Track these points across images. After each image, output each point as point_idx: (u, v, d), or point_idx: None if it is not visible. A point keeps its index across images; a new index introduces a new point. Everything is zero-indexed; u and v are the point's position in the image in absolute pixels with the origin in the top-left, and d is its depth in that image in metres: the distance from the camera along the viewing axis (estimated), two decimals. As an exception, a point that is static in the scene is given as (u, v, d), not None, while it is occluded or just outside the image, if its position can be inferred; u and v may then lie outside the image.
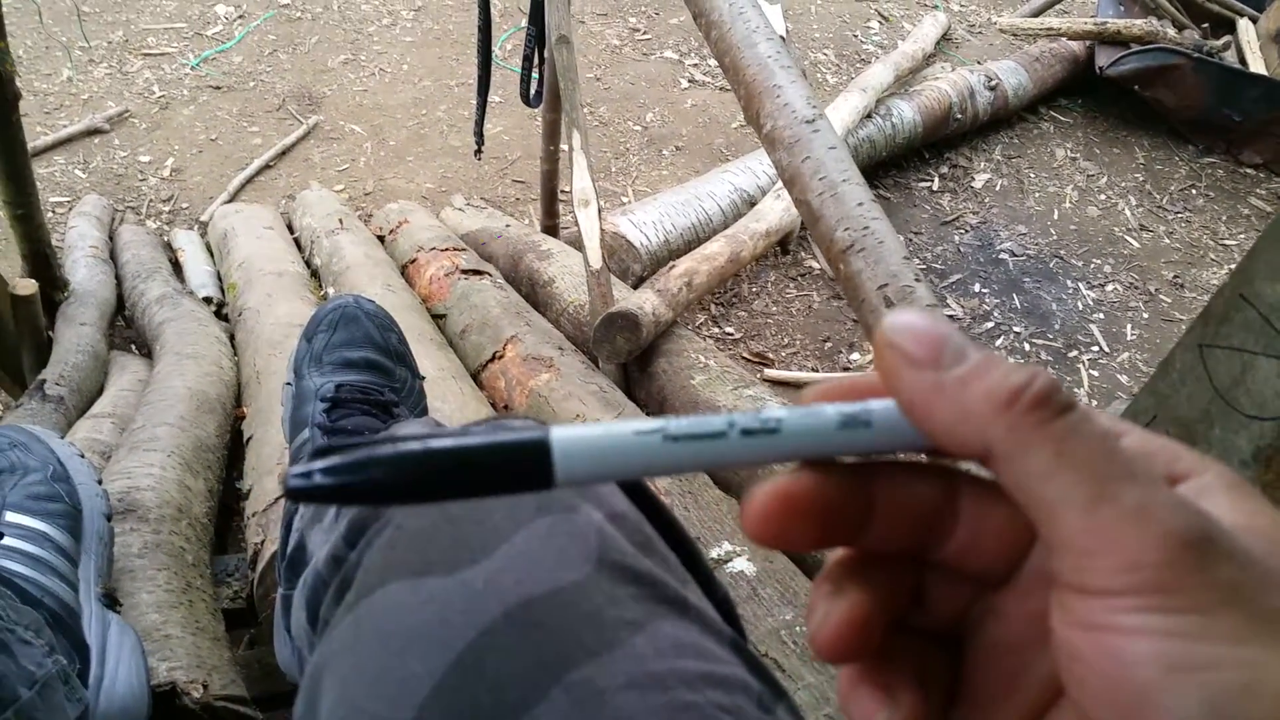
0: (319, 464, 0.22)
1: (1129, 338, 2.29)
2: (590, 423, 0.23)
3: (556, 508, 0.39)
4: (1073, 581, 0.20)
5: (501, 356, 1.39)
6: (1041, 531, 0.21)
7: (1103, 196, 2.80)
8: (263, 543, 0.97)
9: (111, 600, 0.84)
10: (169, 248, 2.15)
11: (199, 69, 2.97)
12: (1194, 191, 2.85)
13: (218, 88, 2.90)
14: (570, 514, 0.39)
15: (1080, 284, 2.45)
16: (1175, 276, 2.50)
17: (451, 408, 1.19)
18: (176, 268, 2.04)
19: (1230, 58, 3.09)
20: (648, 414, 1.23)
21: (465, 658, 0.34)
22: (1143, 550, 0.19)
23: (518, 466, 0.22)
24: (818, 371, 2.08)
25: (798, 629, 0.77)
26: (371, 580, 0.39)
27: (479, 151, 1.95)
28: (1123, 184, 2.86)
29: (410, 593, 0.37)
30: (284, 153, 2.65)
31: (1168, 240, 2.64)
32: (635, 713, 0.33)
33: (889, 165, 2.79)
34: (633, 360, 1.40)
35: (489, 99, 1.87)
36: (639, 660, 0.35)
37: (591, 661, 0.34)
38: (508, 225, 2.06)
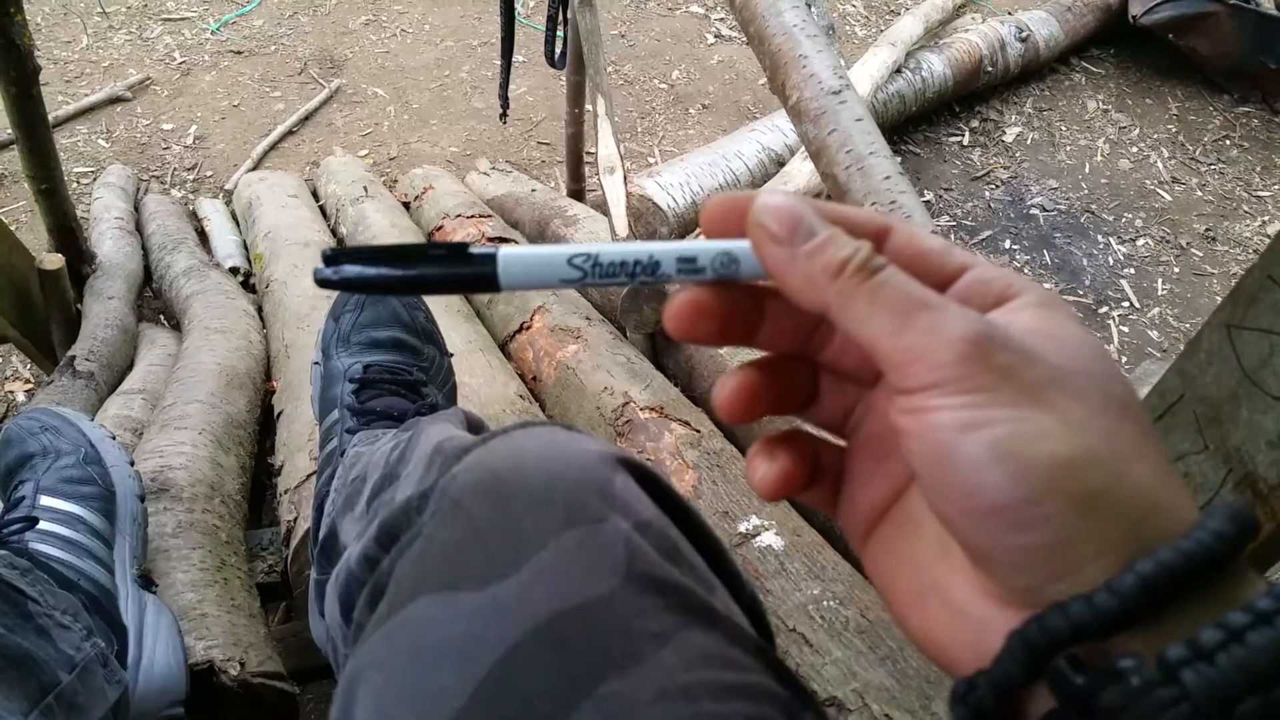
0: (345, 263, 0.30)
1: (1160, 293, 2.25)
2: (536, 246, 0.31)
3: (585, 519, 0.39)
4: (898, 386, 0.27)
5: (529, 327, 1.38)
6: (874, 359, 0.27)
7: (1135, 149, 2.74)
8: (295, 520, 0.98)
9: (147, 581, 0.85)
10: (194, 217, 2.16)
11: (219, 33, 2.95)
12: (1228, 142, 2.78)
13: (239, 52, 2.89)
14: (598, 525, 0.39)
15: (1111, 239, 2.41)
16: (1207, 229, 2.45)
17: (480, 381, 1.19)
18: (202, 237, 2.05)
19: (1267, 3, 3.00)
20: (676, 385, 1.22)
21: (496, 673, 0.34)
22: (938, 354, 0.26)
23: (477, 272, 0.30)
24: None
25: (825, 603, 0.77)
26: (403, 593, 0.39)
27: (504, 115, 1.93)
28: (1155, 135, 2.80)
29: (441, 607, 0.37)
30: (307, 118, 2.65)
31: (1200, 193, 2.58)
32: None
33: (919, 120, 2.75)
34: (660, 330, 1.40)
35: (512, 59, 1.85)
36: (667, 673, 0.35)
37: (620, 675, 0.34)
38: (533, 190, 2.05)
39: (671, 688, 0.34)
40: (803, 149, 2.14)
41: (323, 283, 0.30)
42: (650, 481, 0.44)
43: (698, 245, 0.31)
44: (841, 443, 0.34)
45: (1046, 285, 2.23)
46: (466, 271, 0.30)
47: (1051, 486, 0.24)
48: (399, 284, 0.30)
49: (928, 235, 0.30)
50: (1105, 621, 0.23)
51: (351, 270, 0.30)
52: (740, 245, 0.30)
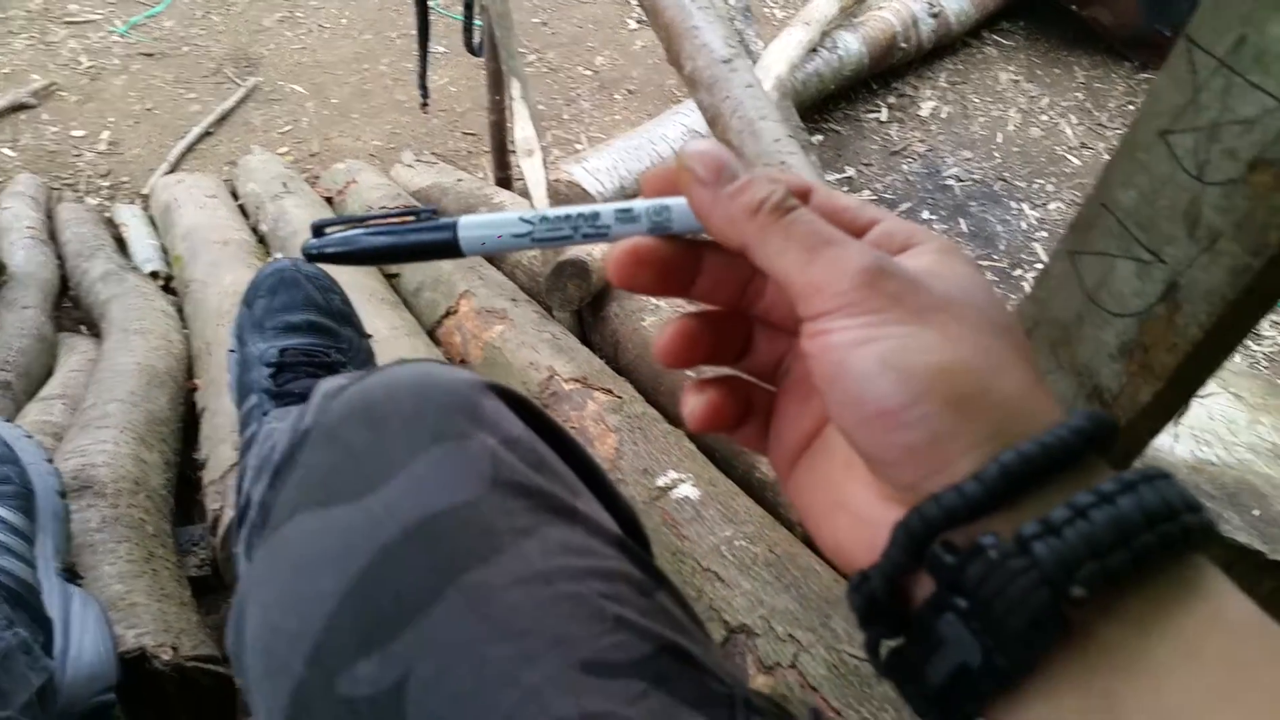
0: (328, 238, 0.34)
1: (1076, 256, 2.32)
2: (492, 213, 0.34)
3: (451, 437, 0.42)
4: (805, 314, 0.29)
5: (455, 311, 1.39)
6: (785, 291, 0.30)
7: (1045, 117, 2.83)
8: (221, 509, 0.98)
9: (72, 574, 0.85)
10: (111, 224, 2.12)
11: (128, 36, 2.89)
12: (1132, 107, 2.87)
13: (150, 54, 2.84)
14: (464, 441, 0.42)
15: (1024, 204, 2.48)
16: (1119, 193, 2.53)
17: (403, 365, 1.20)
18: (120, 244, 2.02)
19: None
20: (603, 358, 1.25)
21: (368, 573, 0.38)
22: (838, 283, 0.28)
23: (440, 238, 0.33)
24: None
25: (737, 543, 0.81)
26: (282, 514, 0.42)
27: (425, 105, 1.93)
28: (1064, 104, 2.89)
29: (317, 521, 0.40)
30: (223, 118, 2.61)
31: (1108, 157, 2.65)
32: (523, 605, 0.37)
33: (838, 98, 2.79)
34: (586, 306, 1.42)
35: (431, 49, 1.85)
36: (527, 561, 0.39)
37: (483, 565, 0.38)
38: (459, 180, 2.05)
39: (529, 573, 0.38)
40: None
41: (309, 256, 0.34)
42: (521, 405, 0.47)
43: (635, 201, 0.34)
44: (772, 389, 0.37)
45: (965, 252, 2.28)
46: (431, 238, 0.33)
47: (928, 390, 0.27)
48: (374, 254, 0.34)
49: (844, 195, 0.34)
50: (972, 507, 0.26)
51: (331, 246, 0.34)
52: (674, 200, 0.33)
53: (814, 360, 0.29)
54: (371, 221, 0.34)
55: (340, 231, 0.34)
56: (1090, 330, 0.52)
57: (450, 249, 0.33)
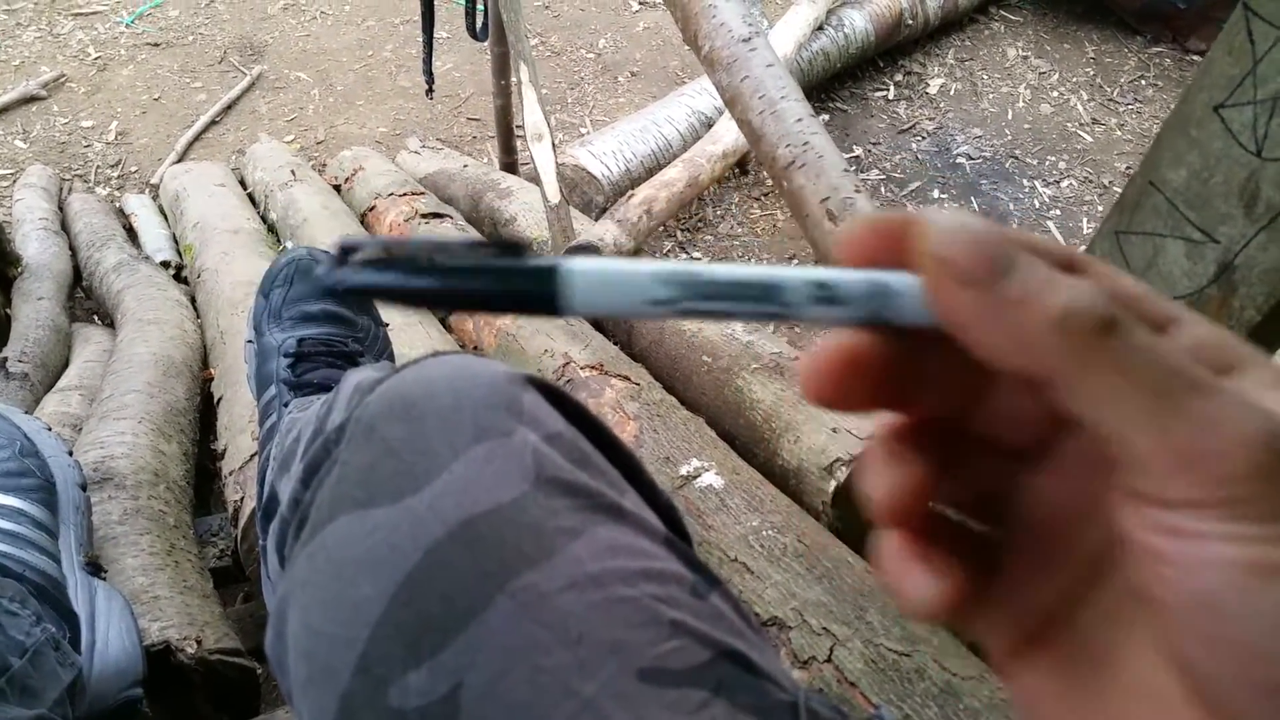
0: (360, 272, 0.21)
1: (1085, 231, 2.31)
2: (615, 260, 0.22)
3: (493, 434, 0.41)
4: (1153, 494, 0.20)
5: (466, 298, 1.39)
6: (1112, 450, 0.20)
7: (1055, 93, 2.80)
8: (241, 499, 0.98)
9: (96, 568, 0.85)
10: (121, 214, 2.12)
11: (134, 26, 2.89)
12: (1143, 82, 2.85)
13: (156, 44, 2.83)
14: (506, 438, 0.41)
15: (1036, 182, 2.47)
16: (1128, 168, 2.51)
17: (420, 353, 1.20)
18: (131, 233, 2.02)
19: (1178, -57, 3.07)
20: (616, 344, 1.24)
21: (414, 576, 0.36)
22: (1224, 463, 0.18)
23: (531, 290, 0.21)
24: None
25: (764, 533, 0.80)
26: (322, 516, 0.41)
27: (430, 91, 1.92)
28: (1074, 79, 2.86)
29: (358, 523, 0.39)
30: (230, 106, 2.61)
31: (1119, 132, 2.65)
32: (575, 610, 0.36)
33: (844, 77, 2.77)
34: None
35: (435, 35, 1.84)
36: (577, 563, 0.37)
37: (533, 568, 0.37)
38: (465, 165, 2.04)
39: (582, 576, 0.37)
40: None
41: (329, 291, 0.22)
42: (560, 399, 0.46)
43: (837, 271, 0.22)
44: (981, 527, 0.26)
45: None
46: (518, 289, 0.21)
47: None
48: (425, 297, 0.22)
49: (1118, 273, 0.22)
50: None
51: (362, 278, 0.22)
52: (897, 279, 0.22)
53: (1169, 570, 0.20)
54: (418, 249, 0.22)
55: (377, 259, 0.22)
56: (1138, 315, 0.51)
57: (543, 303, 0.21)
